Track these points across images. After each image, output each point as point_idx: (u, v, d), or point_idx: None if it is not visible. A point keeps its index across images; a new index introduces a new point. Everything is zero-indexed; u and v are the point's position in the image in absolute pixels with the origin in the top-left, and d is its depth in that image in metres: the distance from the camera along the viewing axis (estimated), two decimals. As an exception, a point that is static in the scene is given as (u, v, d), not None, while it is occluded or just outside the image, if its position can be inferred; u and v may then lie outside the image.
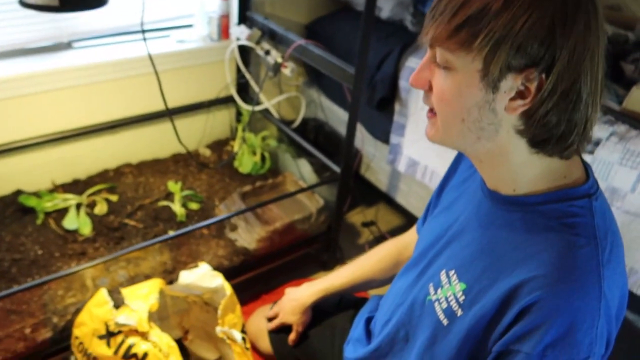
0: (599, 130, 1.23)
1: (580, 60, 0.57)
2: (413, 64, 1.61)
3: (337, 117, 2.02)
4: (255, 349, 1.22)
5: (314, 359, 1.12)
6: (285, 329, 1.15)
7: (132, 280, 1.38)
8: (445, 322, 0.72)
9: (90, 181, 1.72)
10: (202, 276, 1.18)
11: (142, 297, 1.12)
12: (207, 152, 1.97)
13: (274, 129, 2.05)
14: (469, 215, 0.75)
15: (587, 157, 1.22)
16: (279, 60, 1.68)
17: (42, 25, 1.53)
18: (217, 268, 1.21)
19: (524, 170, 0.65)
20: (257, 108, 1.88)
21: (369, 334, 0.98)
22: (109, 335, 1.06)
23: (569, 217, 0.63)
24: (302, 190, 1.71)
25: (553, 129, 0.60)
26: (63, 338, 1.26)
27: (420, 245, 0.87)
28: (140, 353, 1.04)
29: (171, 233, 1.42)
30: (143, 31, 1.44)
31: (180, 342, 1.33)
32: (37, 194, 1.60)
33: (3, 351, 1.21)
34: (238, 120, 2.02)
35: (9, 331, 1.24)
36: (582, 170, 0.67)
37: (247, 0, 1.79)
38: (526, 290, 0.61)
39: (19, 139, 1.55)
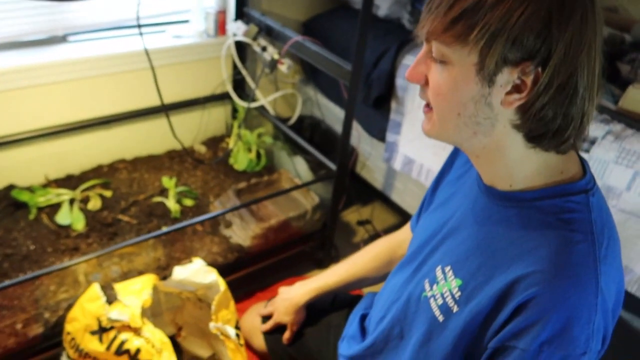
0: (595, 129, 1.23)
1: (577, 54, 0.57)
2: (410, 62, 1.61)
3: (333, 114, 2.02)
4: (249, 346, 1.22)
5: (309, 357, 1.12)
6: (279, 328, 1.15)
7: (126, 276, 1.37)
8: (440, 318, 0.71)
9: (84, 176, 1.70)
10: (196, 272, 1.17)
11: (135, 292, 1.11)
12: (202, 149, 1.96)
13: (270, 126, 2.04)
14: (465, 211, 0.75)
15: (583, 156, 1.22)
16: (276, 56, 1.67)
17: (37, 18, 1.52)
18: (211, 265, 1.20)
19: (520, 165, 0.65)
20: (253, 105, 1.87)
21: (363, 330, 0.98)
22: (101, 330, 1.05)
23: (566, 212, 0.63)
24: (297, 187, 1.71)
25: (549, 123, 0.60)
26: (55, 334, 1.25)
27: (416, 241, 0.86)
28: (132, 349, 1.03)
29: (165, 229, 1.41)
30: (139, 26, 1.43)
31: (173, 339, 1.32)
32: (30, 189, 1.59)
33: (-6, 346, 1.20)
34: (234, 116, 2.01)
35: (0, 326, 1.23)
36: (579, 166, 0.67)
37: (244, -4, 1.78)
38: (522, 287, 0.61)
39: (12, 132, 1.54)
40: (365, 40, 1.35)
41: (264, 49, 1.70)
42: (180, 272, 1.18)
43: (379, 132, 1.79)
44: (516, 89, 0.59)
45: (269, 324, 1.15)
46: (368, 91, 1.71)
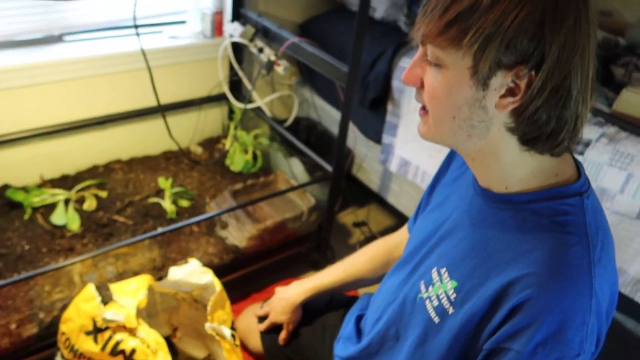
0: (589, 132, 1.24)
1: (570, 57, 0.57)
2: (406, 64, 1.61)
3: (329, 116, 2.02)
4: (244, 347, 1.22)
5: (304, 357, 1.12)
6: (275, 328, 1.15)
7: (121, 277, 1.37)
8: (436, 320, 0.72)
9: (79, 177, 1.70)
10: (192, 272, 1.17)
11: (131, 292, 1.11)
12: (198, 150, 1.96)
13: (266, 128, 2.04)
14: (461, 213, 0.75)
15: (577, 158, 1.23)
16: (272, 58, 1.67)
17: (33, 17, 1.52)
18: (207, 266, 1.20)
19: (515, 168, 0.65)
20: (250, 106, 1.87)
21: (359, 332, 0.98)
22: (96, 331, 1.05)
23: (561, 215, 0.63)
24: (293, 188, 1.71)
25: (543, 126, 0.60)
26: (49, 334, 1.24)
27: (412, 243, 0.87)
28: (128, 349, 1.03)
29: (161, 230, 1.41)
30: (136, 26, 1.43)
31: (168, 340, 1.31)
32: (25, 189, 1.58)
33: (-13, 347, 1.19)
34: (230, 118, 2.01)
35: (-6, 327, 1.22)
36: (573, 169, 0.67)
37: (241, -3, 1.79)
38: (517, 289, 0.61)
39: (7, 132, 1.53)
40: (362, 42, 1.36)
41: (260, 50, 1.70)
42: (175, 273, 1.18)
43: (375, 134, 1.79)
44: (510, 92, 0.59)
45: (265, 324, 1.16)
46: (364, 93, 1.71)
